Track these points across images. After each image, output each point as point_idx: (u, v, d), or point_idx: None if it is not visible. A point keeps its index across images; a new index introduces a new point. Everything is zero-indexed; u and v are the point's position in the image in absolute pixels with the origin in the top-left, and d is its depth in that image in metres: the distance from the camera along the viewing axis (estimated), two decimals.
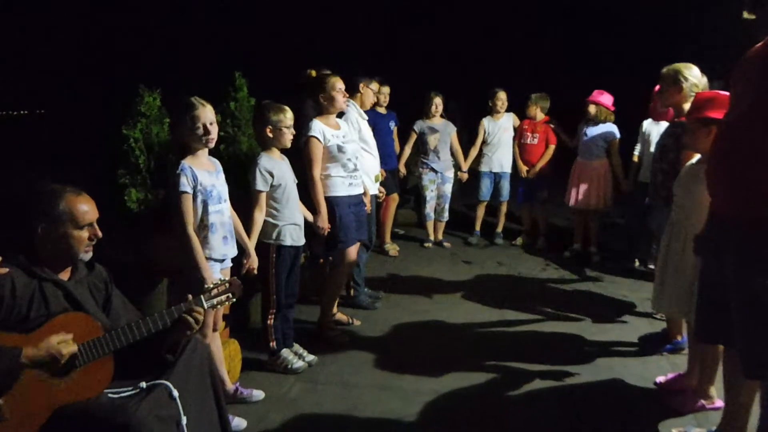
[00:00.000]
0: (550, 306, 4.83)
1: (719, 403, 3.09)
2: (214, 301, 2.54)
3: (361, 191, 4.16)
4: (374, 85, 4.63)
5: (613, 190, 5.98)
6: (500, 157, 6.64)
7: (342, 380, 3.61)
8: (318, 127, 3.86)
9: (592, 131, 5.94)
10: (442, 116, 6.52)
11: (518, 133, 6.60)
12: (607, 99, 5.91)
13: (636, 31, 9.19)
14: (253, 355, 3.85)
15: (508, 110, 6.70)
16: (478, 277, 5.61)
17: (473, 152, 6.74)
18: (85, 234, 2.32)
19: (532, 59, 10.44)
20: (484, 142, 6.68)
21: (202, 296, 2.49)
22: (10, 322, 2.17)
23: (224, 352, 3.47)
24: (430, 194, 6.57)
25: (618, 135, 5.91)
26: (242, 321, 4.27)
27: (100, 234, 2.37)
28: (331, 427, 3.13)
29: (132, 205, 3.45)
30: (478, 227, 6.92)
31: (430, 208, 6.63)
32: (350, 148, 3.98)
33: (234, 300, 2.61)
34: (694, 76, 3.60)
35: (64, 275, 2.37)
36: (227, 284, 2.58)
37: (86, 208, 2.32)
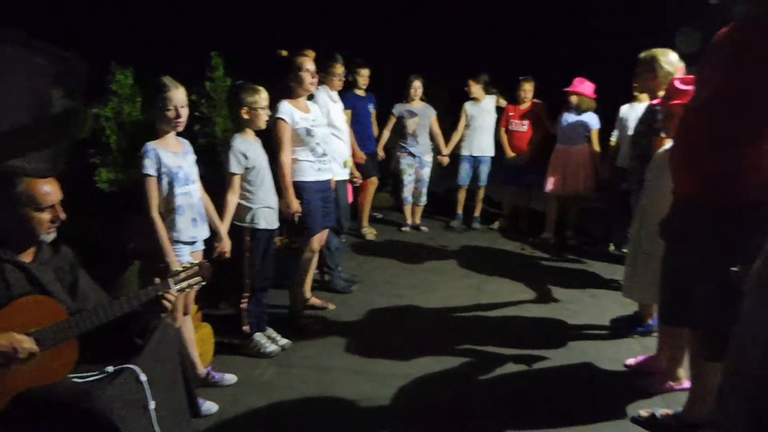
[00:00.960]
0: (526, 290, 4.86)
1: (687, 384, 3.13)
2: (183, 284, 2.51)
3: (330, 177, 4.08)
4: (338, 68, 4.54)
5: (594, 175, 6.01)
6: (480, 141, 6.63)
7: (315, 364, 3.60)
8: (286, 109, 3.76)
9: (573, 119, 5.94)
10: (422, 99, 6.48)
11: (504, 120, 6.57)
12: (587, 88, 5.91)
13: (619, 14, 9.18)
14: (227, 338, 3.83)
15: (491, 92, 6.69)
16: (454, 261, 5.62)
17: (455, 137, 6.72)
18: (46, 216, 2.27)
19: (520, 42, 10.36)
20: (467, 127, 6.67)
21: (170, 279, 2.46)
22: None
23: (196, 336, 3.44)
24: (408, 178, 6.54)
25: (598, 125, 5.93)
26: (217, 304, 4.25)
27: (63, 215, 2.32)
28: (303, 411, 3.12)
29: (103, 185, 3.39)
30: (460, 210, 6.91)
31: (408, 192, 6.61)
32: (319, 132, 3.89)
33: (203, 284, 2.59)
34: (669, 62, 3.59)
35: (27, 257, 2.32)
36: (196, 267, 2.55)
37: (47, 190, 2.27)
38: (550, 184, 6.07)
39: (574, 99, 5.91)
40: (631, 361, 3.58)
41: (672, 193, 2.74)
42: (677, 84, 2.99)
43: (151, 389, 2.35)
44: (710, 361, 2.55)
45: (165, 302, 2.36)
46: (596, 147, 5.97)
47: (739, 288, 2.26)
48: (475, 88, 6.59)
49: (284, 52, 4.45)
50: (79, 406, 2.10)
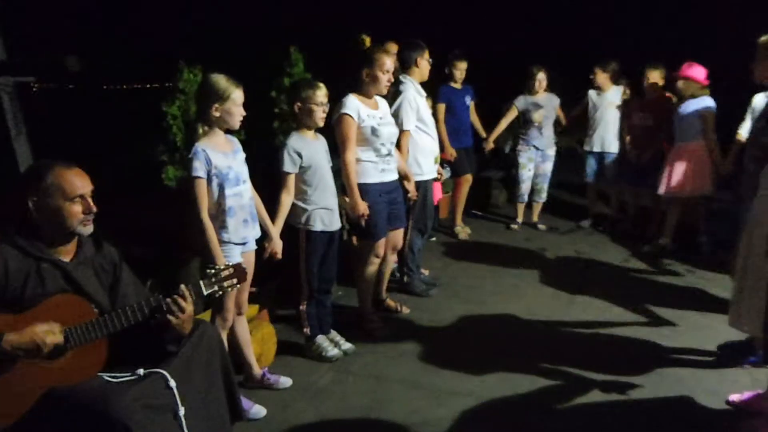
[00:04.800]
0: (624, 303, 4.35)
1: None
2: (216, 287, 2.44)
3: (395, 177, 3.82)
4: (427, 55, 4.28)
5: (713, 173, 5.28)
6: (602, 135, 6.09)
7: (375, 372, 3.44)
8: (353, 103, 3.55)
9: (684, 109, 5.25)
10: (545, 89, 6.10)
11: (627, 113, 5.95)
12: (697, 72, 5.20)
13: None
14: (295, 339, 3.78)
15: (617, 82, 6.13)
16: (549, 267, 5.21)
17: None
18: (77, 207, 2.27)
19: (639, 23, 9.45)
20: (589, 119, 6.17)
21: (201, 282, 2.40)
22: (4, 301, 2.17)
23: (257, 335, 3.42)
24: (527, 173, 6.20)
25: (712, 107, 5.15)
26: (288, 303, 4.20)
27: (94, 208, 2.30)
28: (351, 423, 2.97)
29: (170, 182, 3.43)
30: (591, 210, 6.45)
31: (525, 189, 6.26)
32: (386, 132, 3.64)
33: (238, 287, 2.50)
34: None
35: (66, 256, 2.34)
36: (231, 270, 2.47)
37: (75, 180, 2.26)
38: (665, 187, 5.42)
39: (680, 84, 5.22)
40: (734, 397, 3.05)
41: None
42: None
43: (181, 395, 2.31)
44: None
45: (173, 307, 2.29)
46: (710, 134, 5.15)
47: None
48: (602, 77, 6.06)
49: (368, 40, 4.20)
50: (95, 408, 2.09)
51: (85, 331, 2.21)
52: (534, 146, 6.12)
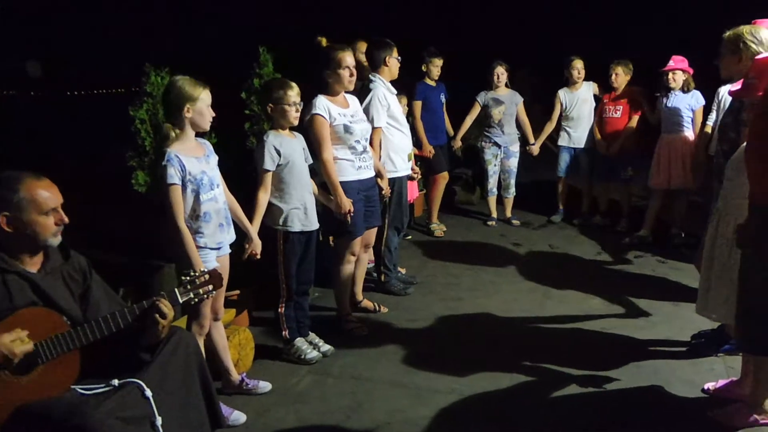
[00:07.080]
0: (598, 296, 4.41)
1: None
2: (191, 294, 2.39)
3: (372, 174, 3.83)
4: (396, 53, 4.27)
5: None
6: (576, 131, 6.13)
7: (355, 373, 3.41)
8: (322, 103, 3.53)
9: (674, 101, 5.32)
10: (507, 86, 6.11)
11: (599, 107, 6.02)
12: (685, 65, 5.31)
13: None
14: (273, 342, 3.74)
15: (586, 79, 6.16)
16: (524, 262, 5.24)
17: (549, 127, 6.30)
18: (50, 220, 2.22)
19: (608, 22, 9.60)
20: (562, 116, 6.21)
21: (176, 290, 2.36)
22: None
23: (234, 341, 3.37)
24: (493, 169, 6.25)
25: (703, 101, 5.27)
26: (265, 306, 4.15)
27: (66, 219, 2.25)
28: (332, 425, 2.94)
29: (139, 188, 3.36)
30: (561, 204, 6.48)
31: (493, 184, 6.30)
32: (359, 129, 3.64)
33: (214, 293, 2.46)
34: (759, 41, 3.03)
35: (33, 266, 2.27)
36: (206, 276, 2.43)
37: (48, 194, 2.21)
38: (654, 178, 5.50)
39: (678, 77, 5.30)
40: (710, 385, 3.11)
41: (749, 195, 2.31)
42: (761, 64, 2.51)
43: (158, 404, 2.27)
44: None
45: (157, 315, 2.24)
46: (698, 127, 5.27)
47: None
48: (577, 71, 6.06)
49: (324, 41, 4.12)
50: (71, 423, 2.03)
51: (58, 343, 2.15)
52: (495, 143, 6.16)
